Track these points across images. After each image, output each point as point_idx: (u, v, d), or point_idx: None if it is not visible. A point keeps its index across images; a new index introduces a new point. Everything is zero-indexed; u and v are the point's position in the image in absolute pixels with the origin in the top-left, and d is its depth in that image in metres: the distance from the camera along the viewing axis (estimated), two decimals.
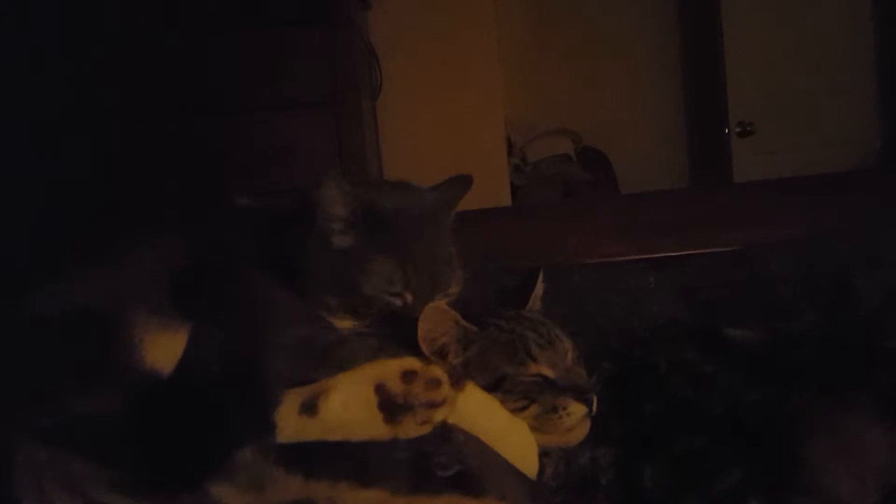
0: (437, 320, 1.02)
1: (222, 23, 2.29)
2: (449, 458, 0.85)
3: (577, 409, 1.00)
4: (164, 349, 0.80)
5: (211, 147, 2.29)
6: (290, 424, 0.83)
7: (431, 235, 1.13)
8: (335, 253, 1.06)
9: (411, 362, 0.86)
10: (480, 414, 0.96)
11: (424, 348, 1.01)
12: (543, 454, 1.00)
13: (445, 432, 0.89)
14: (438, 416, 0.84)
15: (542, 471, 1.00)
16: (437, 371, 0.85)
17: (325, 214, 1.06)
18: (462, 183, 1.22)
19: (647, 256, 1.57)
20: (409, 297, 1.07)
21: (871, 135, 3.40)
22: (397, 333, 1.03)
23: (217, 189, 2.19)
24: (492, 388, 1.01)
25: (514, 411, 1.00)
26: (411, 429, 0.83)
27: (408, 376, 0.84)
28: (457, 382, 0.92)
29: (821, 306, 1.29)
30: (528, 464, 0.98)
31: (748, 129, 3.40)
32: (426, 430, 0.84)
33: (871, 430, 0.99)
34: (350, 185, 1.06)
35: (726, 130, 3.40)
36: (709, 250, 1.56)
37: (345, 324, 1.06)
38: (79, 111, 2.26)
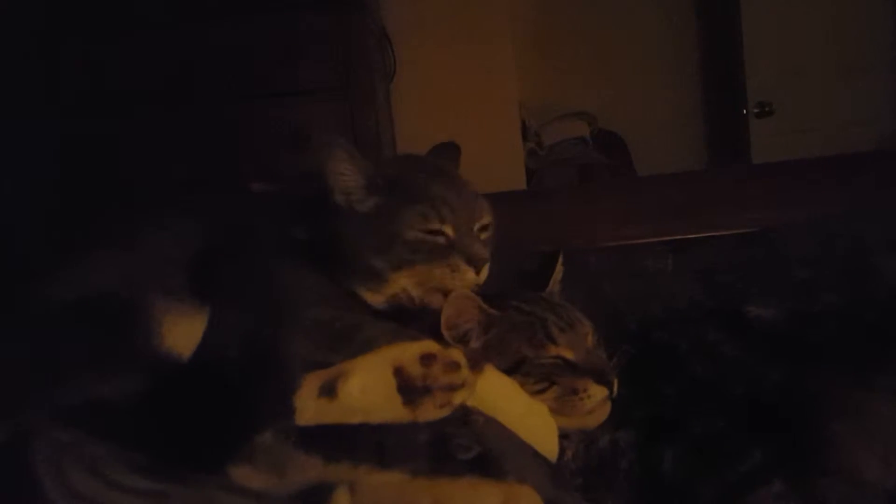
0: (461, 307, 1.02)
1: (234, 7, 2.29)
2: (468, 441, 0.85)
3: (597, 392, 1.00)
4: (183, 333, 0.80)
5: (225, 132, 2.29)
6: (309, 407, 0.83)
7: (449, 176, 1.13)
8: (362, 218, 1.06)
9: (430, 345, 0.86)
10: (500, 397, 0.96)
11: (447, 335, 1.01)
12: (563, 437, 1.00)
13: (465, 415, 0.88)
14: (457, 398, 0.84)
15: (562, 453, 1.00)
16: (456, 354, 0.85)
17: (341, 186, 1.06)
18: (450, 151, 1.23)
19: (665, 239, 1.56)
20: (450, 231, 1.06)
21: (891, 115, 3.36)
22: (416, 317, 1.02)
23: (231, 174, 2.20)
24: (511, 370, 1.00)
25: (534, 394, 0.99)
26: (430, 412, 0.83)
27: (426, 359, 0.84)
28: (476, 365, 0.92)
29: (840, 287, 1.28)
30: (549, 446, 0.97)
31: (767, 109, 3.36)
32: (445, 412, 0.84)
33: (895, 412, 0.98)
34: (359, 153, 1.06)
35: (745, 111, 3.37)
36: (727, 232, 1.55)
37: (378, 299, 1.06)
38: (92, 97, 2.26)
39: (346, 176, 1.05)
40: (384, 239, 1.04)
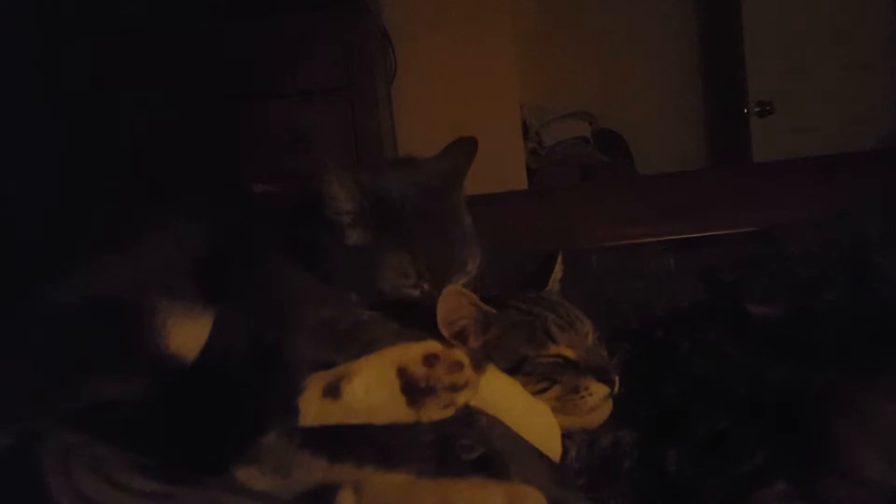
0: (455, 303, 1.02)
1: (236, 8, 2.29)
2: (473, 441, 0.85)
3: (599, 390, 1.00)
4: (187, 334, 0.81)
5: (226, 133, 2.30)
6: (313, 408, 0.83)
7: (442, 215, 1.12)
8: (350, 250, 1.07)
9: (433, 345, 0.85)
10: (503, 396, 0.96)
11: (444, 331, 1.01)
12: (566, 436, 1.00)
13: (468, 415, 0.89)
14: (461, 399, 0.84)
15: (565, 453, 1.00)
16: (459, 354, 0.85)
17: (332, 209, 1.06)
18: (466, 147, 1.19)
19: (667, 238, 1.57)
20: (426, 286, 1.07)
21: (892, 113, 3.36)
22: (418, 317, 1.02)
23: (233, 175, 2.20)
24: (513, 370, 1.00)
25: (536, 393, 0.99)
26: (434, 412, 0.83)
27: (430, 359, 0.84)
28: (478, 365, 0.92)
29: (843, 286, 1.28)
30: (552, 446, 0.98)
31: (767, 108, 3.36)
32: (449, 413, 0.84)
33: None
34: (354, 175, 1.06)
35: (745, 110, 3.37)
36: (729, 231, 1.55)
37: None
38: (93, 97, 2.27)
39: (338, 201, 1.06)
40: (362, 282, 1.06)
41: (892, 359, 1.05)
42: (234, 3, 2.29)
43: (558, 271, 1.21)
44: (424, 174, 1.16)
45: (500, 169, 2.65)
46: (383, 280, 1.06)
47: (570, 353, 1.03)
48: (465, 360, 0.84)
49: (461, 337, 1.03)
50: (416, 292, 1.07)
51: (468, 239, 1.13)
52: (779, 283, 1.33)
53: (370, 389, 0.83)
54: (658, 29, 3.62)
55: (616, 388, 1.01)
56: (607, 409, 1.02)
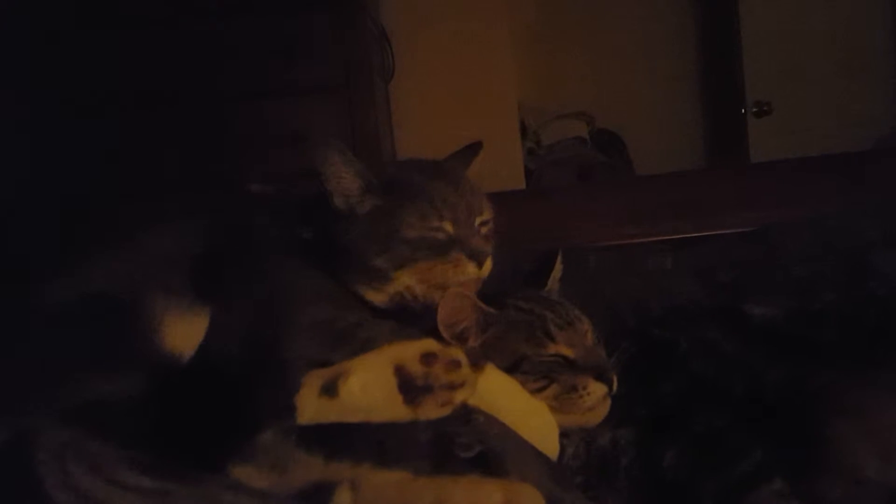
0: (456, 305, 1.02)
1: (233, 7, 2.29)
2: (470, 440, 0.85)
3: (597, 389, 1.00)
4: (184, 332, 0.80)
5: (223, 132, 2.29)
6: (310, 406, 0.83)
7: (450, 174, 1.13)
8: (362, 219, 1.06)
9: (430, 344, 0.85)
10: (500, 395, 0.96)
11: (444, 333, 1.01)
12: (564, 435, 1.00)
13: (466, 414, 0.88)
14: (458, 397, 0.84)
15: (562, 452, 1.00)
16: (457, 352, 0.85)
17: (339, 189, 1.06)
18: (471, 148, 1.22)
19: (665, 238, 1.57)
20: (450, 227, 1.06)
21: (889, 114, 3.36)
22: (417, 316, 1.02)
23: (229, 174, 2.20)
24: (511, 369, 1.00)
25: (534, 392, 0.99)
26: (431, 410, 0.83)
27: (427, 358, 0.83)
28: (476, 364, 0.92)
29: (839, 285, 1.28)
30: (549, 445, 0.98)
31: (765, 108, 3.36)
32: (446, 411, 0.84)
33: (894, 408, 0.98)
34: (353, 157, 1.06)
35: (743, 110, 3.37)
36: (726, 231, 1.56)
37: (380, 298, 1.06)
38: (89, 96, 2.26)
39: (343, 179, 1.05)
40: (385, 239, 1.04)
41: (889, 358, 1.05)
42: (231, 2, 2.29)
43: (558, 271, 1.21)
44: (427, 161, 1.18)
45: (497, 169, 2.65)
46: (407, 227, 1.04)
47: (568, 352, 1.03)
48: (463, 359, 0.84)
49: (461, 338, 1.03)
50: (442, 235, 1.05)
51: (479, 189, 1.14)
52: (776, 282, 1.33)
53: (367, 388, 0.83)
54: (656, 29, 3.62)
55: (614, 387, 1.01)
56: (606, 407, 1.02)
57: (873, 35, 3.37)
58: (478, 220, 1.09)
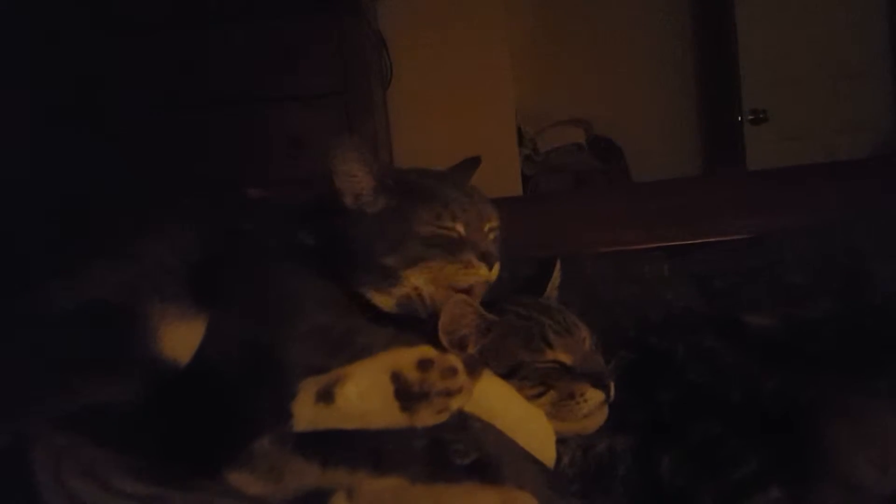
0: (458, 312, 1.01)
1: (232, 11, 2.29)
2: (466, 447, 0.85)
3: (594, 396, 1.00)
4: (181, 339, 0.81)
5: (221, 138, 2.29)
6: (306, 413, 0.83)
7: (456, 180, 1.14)
8: (373, 218, 1.05)
9: (427, 351, 0.85)
10: (497, 402, 0.96)
11: (444, 340, 1.00)
12: (561, 442, 1.00)
13: (462, 421, 0.88)
14: (455, 404, 0.84)
15: (559, 459, 0.99)
16: (454, 359, 0.85)
17: (351, 188, 1.05)
18: (470, 163, 1.23)
19: (661, 245, 1.57)
20: (462, 228, 1.06)
21: (885, 121, 3.37)
22: (413, 323, 1.02)
23: (228, 179, 2.19)
24: (508, 375, 1.00)
25: (531, 398, 0.99)
26: (428, 417, 0.83)
27: (424, 365, 0.84)
28: (473, 370, 0.92)
29: (836, 293, 1.28)
30: (546, 452, 0.97)
31: (762, 116, 3.38)
32: (443, 418, 0.84)
33: (892, 418, 0.98)
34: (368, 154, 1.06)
35: (739, 118, 3.38)
36: (723, 238, 1.55)
37: (385, 301, 1.04)
38: (87, 102, 2.26)
39: (356, 177, 1.05)
40: (397, 237, 1.03)
41: (886, 366, 1.05)
42: (229, 6, 2.29)
43: (557, 278, 1.21)
44: (428, 169, 1.18)
45: (494, 175, 2.64)
46: (420, 224, 1.04)
47: (566, 359, 1.02)
48: (460, 366, 0.84)
49: (460, 345, 1.03)
50: (454, 235, 1.05)
51: (485, 197, 1.14)
52: (773, 290, 1.33)
53: (364, 394, 0.83)
54: (653, 37, 3.63)
55: (612, 395, 1.01)
56: (603, 414, 1.02)
57: (869, 43, 3.39)
58: (487, 226, 1.10)
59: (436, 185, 1.09)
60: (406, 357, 0.85)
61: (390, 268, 1.03)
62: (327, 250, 1.05)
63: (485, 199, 1.13)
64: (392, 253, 1.03)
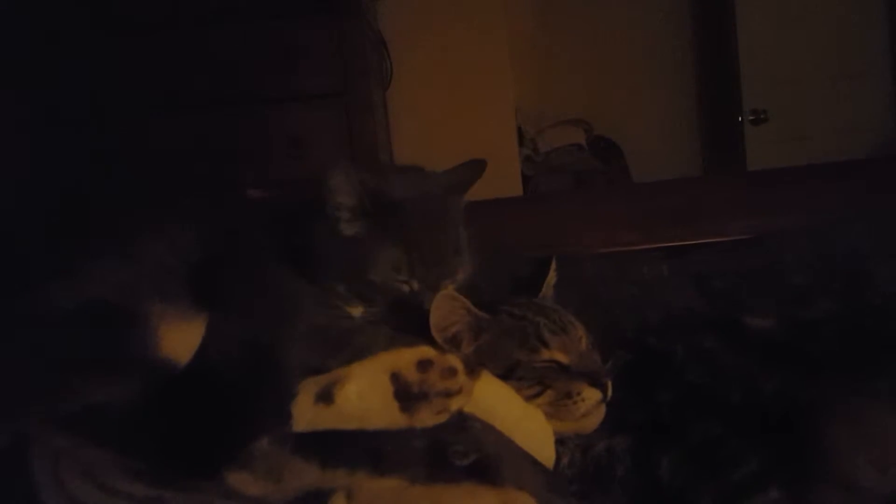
0: (448, 308, 1.02)
1: (232, 12, 2.29)
2: (466, 447, 0.85)
3: (591, 395, 1.00)
4: (180, 339, 0.80)
5: (221, 138, 2.29)
6: (306, 413, 0.83)
7: (439, 222, 1.12)
8: (343, 240, 1.06)
9: (426, 351, 0.85)
10: (496, 402, 0.96)
11: (437, 336, 1.01)
12: (559, 442, 1.00)
13: (461, 421, 0.88)
14: (454, 404, 0.84)
15: (558, 459, 0.99)
16: (453, 360, 0.85)
17: (333, 203, 1.06)
18: (475, 167, 1.21)
19: (661, 245, 1.57)
20: (416, 284, 1.07)
21: (886, 122, 3.38)
22: (412, 322, 1.02)
23: (228, 180, 2.19)
24: (505, 375, 1.00)
25: (529, 398, 0.99)
26: (427, 418, 0.83)
27: (423, 365, 0.84)
28: (472, 371, 0.92)
29: (837, 294, 1.28)
30: (545, 452, 0.97)
31: (762, 116, 3.38)
32: (442, 419, 0.84)
33: (892, 418, 0.98)
34: (359, 174, 1.06)
35: (740, 118, 3.39)
36: (722, 238, 1.55)
37: (356, 310, 1.06)
38: (87, 102, 2.26)
39: (340, 195, 1.06)
40: (353, 272, 1.05)
41: (886, 367, 1.05)
42: (229, 7, 2.29)
43: (552, 277, 1.20)
44: (427, 182, 1.17)
45: (495, 175, 2.65)
46: (375, 271, 1.05)
47: (562, 358, 1.02)
48: (459, 366, 0.84)
49: (454, 342, 1.03)
50: (406, 288, 1.06)
51: (461, 249, 1.13)
52: (772, 290, 1.33)
53: (363, 395, 0.83)
54: (653, 37, 3.63)
55: (609, 393, 1.01)
56: (600, 414, 1.02)
57: (869, 43, 3.39)
58: (446, 285, 1.09)
59: (412, 225, 1.08)
60: (406, 357, 0.85)
61: (341, 293, 1.06)
62: (307, 253, 1.06)
63: (457, 251, 1.13)
64: (343, 282, 1.06)
